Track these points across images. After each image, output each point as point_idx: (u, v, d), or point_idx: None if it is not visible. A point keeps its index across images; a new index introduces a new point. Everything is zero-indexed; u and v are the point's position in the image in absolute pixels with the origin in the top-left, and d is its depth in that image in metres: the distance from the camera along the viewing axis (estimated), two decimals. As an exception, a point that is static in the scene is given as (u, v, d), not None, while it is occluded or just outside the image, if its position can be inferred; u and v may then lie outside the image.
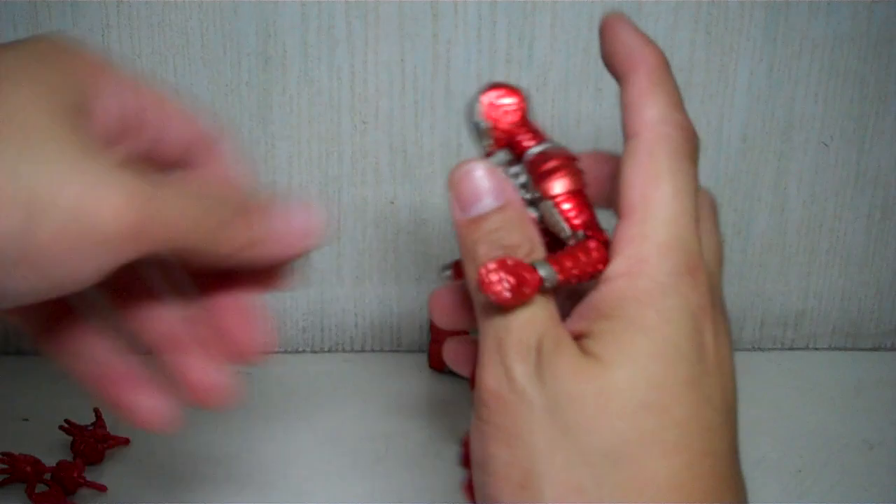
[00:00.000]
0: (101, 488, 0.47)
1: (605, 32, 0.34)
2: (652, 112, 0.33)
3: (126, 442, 0.50)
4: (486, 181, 0.33)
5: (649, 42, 0.34)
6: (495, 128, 0.35)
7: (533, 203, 0.34)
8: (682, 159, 0.33)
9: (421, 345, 0.59)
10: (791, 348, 0.61)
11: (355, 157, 0.56)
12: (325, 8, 0.53)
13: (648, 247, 0.32)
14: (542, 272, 0.31)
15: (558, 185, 0.33)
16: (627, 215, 0.32)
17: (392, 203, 0.57)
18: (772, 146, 0.57)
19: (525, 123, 0.35)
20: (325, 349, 0.60)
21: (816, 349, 0.61)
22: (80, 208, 0.28)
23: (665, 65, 0.34)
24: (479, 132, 0.35)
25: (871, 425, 0.53)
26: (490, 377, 0.31)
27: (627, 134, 0.33)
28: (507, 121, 0.34)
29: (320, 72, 0.54)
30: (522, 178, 0.34)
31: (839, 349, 0.62)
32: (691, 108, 0.58)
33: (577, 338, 0.31)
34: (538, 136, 0.35)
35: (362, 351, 0.60)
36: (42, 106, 0.29)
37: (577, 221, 0.33)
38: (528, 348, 0.30)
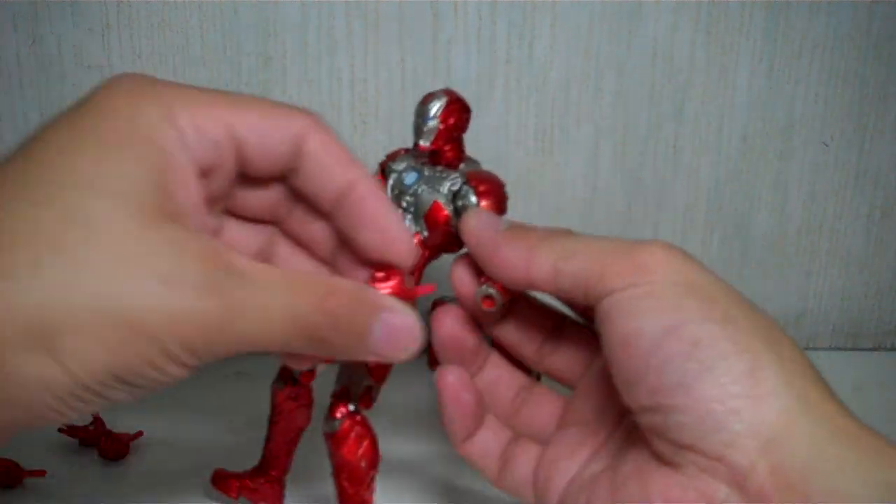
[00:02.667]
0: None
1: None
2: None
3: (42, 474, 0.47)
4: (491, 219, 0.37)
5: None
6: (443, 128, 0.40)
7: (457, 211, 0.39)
8: None
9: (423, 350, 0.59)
10: (791, 348, 0.61)
11: (355, 157, 0.56)
12: (325, 8, 0.53)
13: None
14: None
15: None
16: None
17: (392, 203, 0.57)
18: (772, 146, 0.57)
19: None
20: (325, 349, 0.60)
21: (816, 349, 0.61)
22: (162, 336, 0.29)
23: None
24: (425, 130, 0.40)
25: (871, 425, 0.53)
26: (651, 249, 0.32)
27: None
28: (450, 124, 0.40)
29: (320, 72, 0.54)
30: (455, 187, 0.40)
31: (839, 349, 0.62)
32: (691, 107, 0.58)
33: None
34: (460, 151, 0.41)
35: (362, 351, 0.60)
36: (127, 212, 0.29)
37: None
38: None
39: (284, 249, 0.36)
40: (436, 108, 0.39)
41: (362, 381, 0.40)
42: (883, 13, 0.55)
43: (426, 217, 0.39)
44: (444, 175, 0.40)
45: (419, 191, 0.40)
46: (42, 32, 0.53)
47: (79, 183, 0.29)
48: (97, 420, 0.50)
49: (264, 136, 0.33)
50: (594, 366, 0.37)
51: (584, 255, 0.33)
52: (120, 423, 0.50)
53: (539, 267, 0.34)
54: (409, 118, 0.56)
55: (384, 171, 0.42)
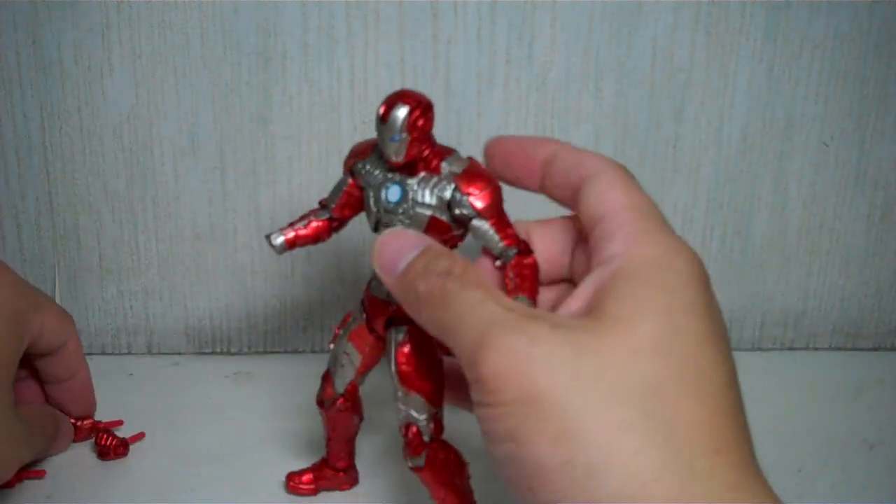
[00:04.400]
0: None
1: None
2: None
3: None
4: (400, 241, 0.36)
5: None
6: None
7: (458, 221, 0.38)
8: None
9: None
10: (791, 348, 0.61)
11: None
12: (325, 8, 0.53)
13: (646, 223, 0.34)
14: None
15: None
16: (608, 216, 0.35)
17: (392, 203, 0.57)
18: (772, 146, 0.57)
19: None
20: (326, 349, 0.60)
21: (816, 349, 0.61)
22: None
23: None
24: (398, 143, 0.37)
25: (871, 425, 0.53)
26: (493, 360, 0.30)
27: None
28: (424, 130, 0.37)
29: (320, 72, 0.54)
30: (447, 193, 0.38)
31: (839, 349, 0.62)
32: (691, 108, 0.58)
33: (590, 309, 0.32)
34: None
35: (362, 351, 0.60)
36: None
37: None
38: (528, 320, 0.31)
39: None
40: (400, 120, 0.36)
41: (425, 412, 0.40)
42: (883, 13, 0.55)
43: (428, 231, 0.38)
44: (430, 183, 0.38)
45: (410, 209, 0.38)
46: (42, 32, 0.53)
47: None
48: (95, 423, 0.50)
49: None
50: None
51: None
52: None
53: None
54: (409, 118, 0.56)
55: (352, 171, 0.40)
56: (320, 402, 0.44)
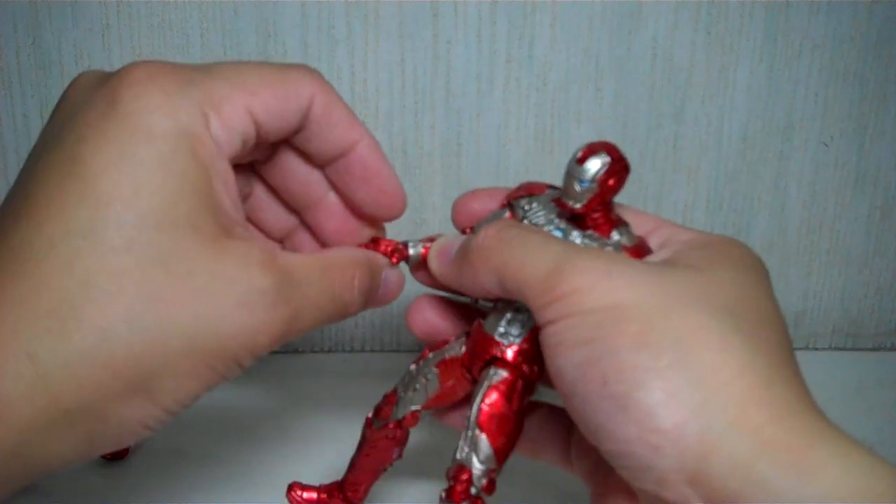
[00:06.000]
0: None
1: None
2: None
3: None
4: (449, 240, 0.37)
5: None
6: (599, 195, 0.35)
7: None
8: None
9: (420, 345, 0.59)
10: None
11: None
12: (325, 8, 0.53)
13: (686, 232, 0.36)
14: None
15: None
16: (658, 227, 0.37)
17: (392, 203, 0.57)
18: (772, 146, 0.57)
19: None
20: (325, 349, 0.60)
21: (816, 349, 0.61)
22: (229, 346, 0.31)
23: None
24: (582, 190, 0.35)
25: (871, 425, 0.53)
26: (573, 278, 0.30)
27: None
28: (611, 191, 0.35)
29: (320, 72, 0.54)
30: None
31: (839, 349, 0.62)
32: (691, 108, 0.58)
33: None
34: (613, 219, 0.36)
35: (362, 351, 0.60)
36: (192, 241, 0.30)
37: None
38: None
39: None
40: (596, 168, 0.34)
41: (486, 463, 0.36)
42: (883, 13, 0.55)
43: None
44: (596, 244, 0.35)
45: None
46: (42, 32, 0.53)
47: (140, 219, 0.30)
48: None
49: (279, 112, 0.34)
50: None
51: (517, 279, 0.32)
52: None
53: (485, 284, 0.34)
54: (410, 118, 0.56)
55: (511, 204, 0.38)
56: (369, 422, 0.41)
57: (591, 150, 0.34)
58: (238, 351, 0.31)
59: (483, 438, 0.35)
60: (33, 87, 0.54)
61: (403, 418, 0.40)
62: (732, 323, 0.29)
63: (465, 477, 0.35)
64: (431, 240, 0.39)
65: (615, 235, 0.35)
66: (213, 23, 0.53)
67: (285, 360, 0.59)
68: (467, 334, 0.38)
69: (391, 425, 0.40)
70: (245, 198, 0.38)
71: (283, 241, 0.40)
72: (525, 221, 0.36)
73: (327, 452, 0.49)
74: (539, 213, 0.36)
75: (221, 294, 0.30)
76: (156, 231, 0.30)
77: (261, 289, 0.31)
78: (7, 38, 0.53)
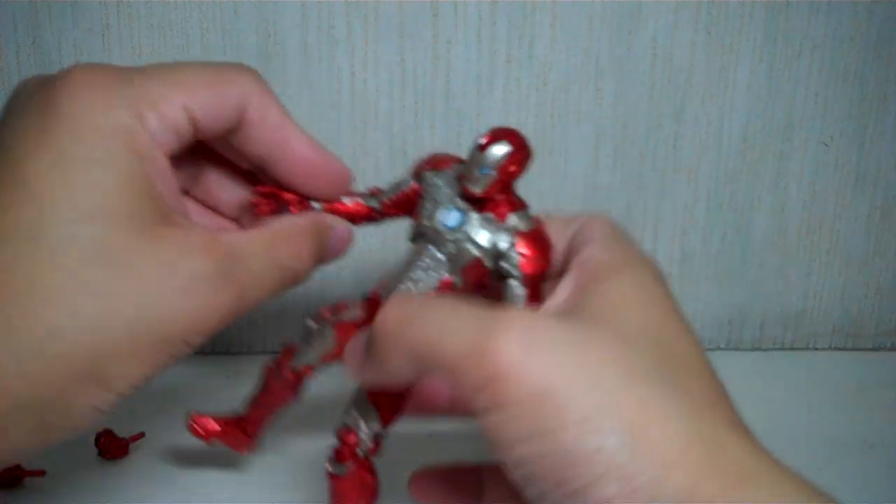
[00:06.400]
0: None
1: None
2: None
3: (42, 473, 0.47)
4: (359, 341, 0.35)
5: None
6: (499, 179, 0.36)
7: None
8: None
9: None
10: (791, 348, 0.61)
11: (355, 157, 0.56)
12: (325, 8, 0.53)
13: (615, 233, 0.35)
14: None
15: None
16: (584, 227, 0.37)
17: (392, 203, 0.57)
18: (772, 146, 0.57)
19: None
20: (325, 349, 0.60)
21: (816, 349, 0.61)
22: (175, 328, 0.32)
23: None
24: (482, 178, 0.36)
25: (871, 425, 0.53)
26: (496, 359, 0.29)
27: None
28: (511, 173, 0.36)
29: (320, 72, 0.54)
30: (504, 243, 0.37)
31: (839, 349, 0.62)
32: (691, 108, 0.58)
33: (573, 305, 0.33)
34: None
35: (362, 351, 0.60)
36: (131, 233, 0.32)
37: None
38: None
39: (193, 209, 0.40)
40: (497, 157, 0.35)
41: (372, 427, 0.38)
42: (883, 13, 0.55)
43: (464, 270, 0.37)
44: (491, 227, 0.37)
45: (461, 241, 0.37)
46: (42, 32, 0.53)
47: (79, 215, 0.31)
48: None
49: (214, 109, 0.35)
50: None
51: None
52: (120, 423, 0.50)
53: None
54: (410, 117, 0.56)
55: (419, 175, 0.39)
56: (270, 369, 0.42)
57: (494, 138, 0.35)
58: (185, 334, 0.32)
59: (370, 405, 0.38)
60: (33, 87, 0.54)
61: (300, 370, 0.42)
62: (661, 385, 0.29)
63: (351, 440, 0.38)
64: (350, 196, 0.40)
65: (513, 219, 0.37)
66: (213, 23, 0.53)
67: (285, 360, 0.59)
68: (364, 297, 0.40)
69: (289, 375, 0.42)
70: (194, 178, 0.40)
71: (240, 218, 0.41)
72: (428, 194, 0.38)
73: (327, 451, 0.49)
74: (443, 190, 0.38)
75: (162, 282, 0.32)
76: (94, 226, 0.31)
77: (203, 273, 0.32)
78: (7, 38, 0.53)
